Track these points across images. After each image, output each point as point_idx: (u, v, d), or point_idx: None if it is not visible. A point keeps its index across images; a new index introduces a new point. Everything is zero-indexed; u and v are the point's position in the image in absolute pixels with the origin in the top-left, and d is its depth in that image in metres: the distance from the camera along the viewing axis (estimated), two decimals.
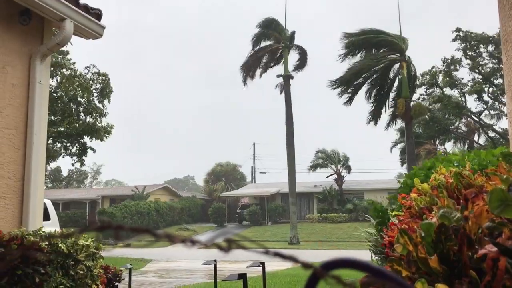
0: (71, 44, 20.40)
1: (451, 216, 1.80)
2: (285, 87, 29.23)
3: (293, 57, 35.91)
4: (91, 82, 21.86)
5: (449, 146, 38.43)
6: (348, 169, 38.89)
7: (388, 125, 29.35)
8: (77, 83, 21.07)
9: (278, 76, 29.80)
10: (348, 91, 27.31)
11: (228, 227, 38.19)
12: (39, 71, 5.07)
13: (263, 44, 30.13)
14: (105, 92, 22.26)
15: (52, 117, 21.04)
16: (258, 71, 30.17)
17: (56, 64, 19.91)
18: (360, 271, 0.33)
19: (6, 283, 3.57)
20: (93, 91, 22.03)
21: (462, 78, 33.57)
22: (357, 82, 27.12)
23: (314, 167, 39.62)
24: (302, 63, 30.32)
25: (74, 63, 21.66)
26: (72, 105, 21.49)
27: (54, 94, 21.08)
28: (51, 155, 23.55)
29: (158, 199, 38.81)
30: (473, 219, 1.73)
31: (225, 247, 0.28)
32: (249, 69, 29.74)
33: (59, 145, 23.38)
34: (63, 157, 24.40)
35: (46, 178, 36.70)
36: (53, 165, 32.65)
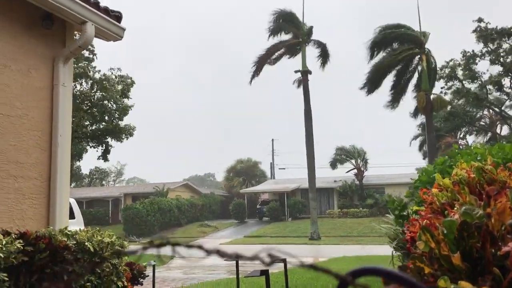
0: (94, 52, 20.89)
1: (473, 213, 1.80)
2: (303, 83, 29.11)
3: (311, 52, 35.67)
4: (116, 85, 22.38)
5: (470, 139, 37.85)
6: (366, 163, 38.64)
7: (415, 116, 29.18)
8: (103, 86, 21.65)
9: (296, 71, 29.68)
10: (376, 89, 27.24)
11: (248, 223, 38.33)
12: (62, 73, 5.18)
13: (279, 38, 30.05)
14: (127, 93, 22.76)
15: (79, 119, 21.58)
16: (274, 65, 30.10)
17: (83, 74, 20.50)
18: (390, 281, 0.36)
19: (36, 281, 3.69)
20: (116, 92, 22.51)
21: (483, 72, 33.03)
22: (380, 78, 26.99)
23: (334, 163, 39.49)
24: (324, 59, 30.07)
25: (99, 71, 22.27)
26: (97, 107, 22.03)
27: (82, 97, 21.66)
28: (77, 153, 24.11)
29: (179, 196, 39.14)
30: (496, 216, 1.73)
31: (267, 261, 0.32)
32: (263, 63, 29.65)
33: (84, 144, 23.95)
34: (84, 153, 24.96)
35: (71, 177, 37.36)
36: (76, 164, 33.14)
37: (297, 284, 8.81)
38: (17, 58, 4.78)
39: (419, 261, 1.66)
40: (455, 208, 2.46)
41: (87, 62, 21.50)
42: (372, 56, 26.80)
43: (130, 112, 23.86)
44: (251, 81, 29.89)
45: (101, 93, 21.85)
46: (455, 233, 1.69)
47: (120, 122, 22.78)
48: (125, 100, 23.02)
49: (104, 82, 21.75)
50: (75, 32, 5.51)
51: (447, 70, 32.84)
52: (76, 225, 7.76)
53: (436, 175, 3.40)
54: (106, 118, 22.59)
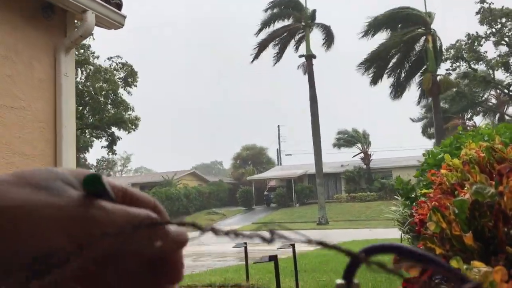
0: (93, 38, 20.77)
1: (485, 192, 1.76)
2: (308, 67, 28.93)
3: (315, 36, 35.35)
4: (115, 72, 22.23)
5: (478, 120, 37.59)
6: (369, 146, 38.55)
7: (419, 101, 28.98)
8: (102, 78, 21.52)
9: (301, 56, 29.48)
10: (375, 70, 26.96)
11: (256, 210, 38.48)
12: (65, 64, 5.14)
13: (280, 23, 29.79)
14: (130, 81, 22.60)
15: (81, 109, 21.55)
16: (277, 49, 29.88)
17: (84, 61, 20.35)
18: (403, 257, 0.32)
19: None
20: (118, 80, 22.39)
21: (486, 51, 32.67)
22: (383, 60, 26.70)
23: (337, 145, 39.47)
24: (329, 41, 29.80)
25: (98, 56, 22.07)
26: (100, 98, 21.95)
27: (81, 88, 21.55)
28: (84, 146, 24.15)
29: (187, 184, 39.32)
30: (509, 194, 1.69)
31: (268, 237, 0.28)
32: (265, 46, 29.42)
33: (88, 136, 23.94)
34: (91, 147, 24.98)
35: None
36: (83, 155, 33.30)
37: (306, 269, 8.84)
38: (18, 49, 4.75)
39: (430, 242, 1.62)
40: (466, 188, 2.41)
41: (83, 50, 21.19)
42: (373, 34, 26.47)
43: (135, 102, 23.79)
44: (252, 61, 29.71)
45: (101, 84, 21.71)
46: (466, 212, 1.65)
47: (124, 113, 22.70)
48: (129, 88, 22.90)
49: (102, 73, 21.61)
50: (76, 22, 5.46)
51: (452, 51, 32.50)
52: None
53: (446, 155, 3.35)
54: (110, 107, 22.52)
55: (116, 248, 0.30)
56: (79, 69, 21.41)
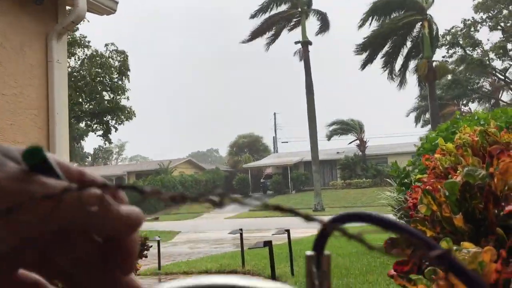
0: (88, 21, 20.48)
1: (476, 174, 1.76)
2: (304, 54, 28.79)
3: (311, 23, 35.16)
4: (110, 60, 21.99)
5: (473, 106, 37.66)
6: (365, 133, 38.65)
7: (419, 86, 29.02)
8: (99, 62, 21.27)
9: (297, 42, 29.30)
10: (369, 56, 26.88)
11: (252, 197, 38.60)
12: (56, 50, 5.09)
13: (277, 9, 29.53)
14: (124, 70, 22.37)
15: (77, 95, 21.31)
16: (271, 35, 29.67)
17: (74, 42, 20.05)
18: (372, 225, 0.31)
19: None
20: (112, 69, 22.17)
21: (481, 41, 32.62)
22: (379, 46, 26.61)
23: (333, 134, 39.53)
24: (324, 27, 29.60)
25: (89, 41, 21.77)
26: (94, 84, 21.71)
27: (76, 74, 21.32)
28: (79, 135, 24.01)
29: (183, 172, 39.35)
30: (499, 176, 1.68)
31: (217, 201, 0.27)
32: (261, 34, 29.23)
33: (83, 124, 23.74)
34: (86, 136, 24.85)
35: (73, 157, 37.46)
36: (79, 144, 33.13)
37: (301, 254, 8.88)
38: (8, 35, 4.69)
39: (420, 224, 1.62)
40: (458, 171, 2.42)
41: (73, 35, 20.83)
42: (370, 21, 26.37)
43: (130, 89, 23.57)
44: (244, 42, 29.52)
45: (95, 69, 21.45)
46: (457, 194, 1.65)
47: (119, 100, 22.48)
48: (122, 77, 22.65)
49: (97, 58, 21.35)
50: (68, 8, 5.39)
51: (448, 37, 32.42)
52: None
53: (439, 139, 3.35)
54: (104, 94, 22.28)
55: (55, 225, 0.29)
56: (76, 54, 21.18)
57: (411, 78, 30.53)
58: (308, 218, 0.28)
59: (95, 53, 21.54)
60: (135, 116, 23.06)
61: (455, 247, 1.37)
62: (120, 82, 22.56)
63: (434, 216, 1.65)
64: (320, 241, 0.34)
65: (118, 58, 22.34)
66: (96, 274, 0.32)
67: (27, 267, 0.31)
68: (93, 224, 0.30)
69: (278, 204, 0.26)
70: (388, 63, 27.27)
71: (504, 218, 1.56)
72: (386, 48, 26.87)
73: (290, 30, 29.89)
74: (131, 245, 0.33)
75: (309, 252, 0.39)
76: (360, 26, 26.60)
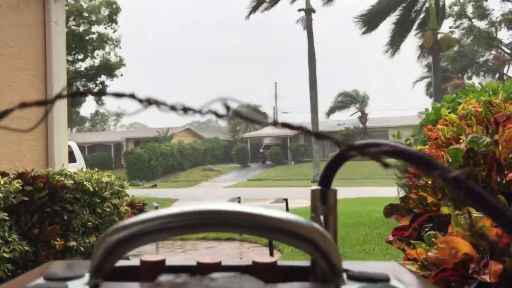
0: None
1: (480, 141, 1.72)
2: (307, 22, 28.31)
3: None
4: (97, 10, 21.48)
5: (477, 80, 37.34)
6: (366, 105, 38.46)
7: (420, 58, 28.63)
8: (87, 20, 20.89)
9: (300, 10, 28.76)
10: (373, 25, 26.46)
11: (251, 167, 38.73)
12: (54, 10, 4.98)
13: None
14: (115, 18, 21.90)
15: (68, 54, 21.01)
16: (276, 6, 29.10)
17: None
18: (389, 154, 0.28)
19: (36, 220, 3.69)
20: (102, 19, 21.70)
21: (493, 9, 32.03)
22: (382, 15, 26.17)
23: (332, 109, 39.39)
24: None
25: None
26: (86, 43, 21.39)
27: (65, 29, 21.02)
28: (76, 100, 23.80)
29: (182, 141, 39.33)
30: (504, 143, 1.64)
31: (222, 114, 0.23)
32: (262, 1, 28.62)
33: (78, 83, 23.42)
34: (84, 100, 24.68)
35: (73, 124, 37.34)
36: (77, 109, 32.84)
37: None
38: None
39: (422, 190, 1.59)
40: (461, 140, 2.38)
41: None
42: None
43: (128, 55, 23.22)
44: (248, 16, 29.01)
45: (83, 25, 21.08)
46: (460, 161, 1.61)
47: (110, 57, 22.18)
48: (114, 25, 22.20)
49: (84, 13, 20.92)
50: None
51: (456, 8, 31.86)
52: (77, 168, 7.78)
53: (442, 109, 3.29)
54: (96, 52, 21.97)
55: None
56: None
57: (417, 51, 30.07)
58: (320, 136, 0.24)
59: (81, 9, 21.02)
60: (123, 64, 22.74)
61: (456, 212, 1.34)
62: (109, 32, 22.09)
63: (436, 183, 1.62)
64: (327, 175, 0.31)
65: (109, 8, 21.90)
66: None
67: None
68: None
69: (287, 122, 0.23)
70: (394, 34, 26.88)
71: (507, 185, 1.53)
72: (391, 18, 26.46)
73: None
74: None
75: (314, 187, 0.38)
76: None
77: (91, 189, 3.95)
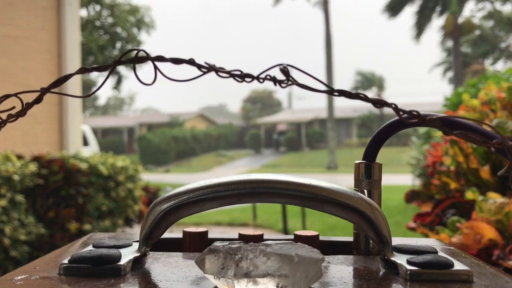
0: None
1: (505, 126, 1.65)
2: (324, 5, 27.96)
3: None
4: (126, 13, 21.72)
5: (499, 65, 36.58)
6: (384, 90, 38.03)
7: (442, 42, 28.19)
8: (116, 13, 21.11)
9: None
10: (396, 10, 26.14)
11: (265, 153, 38.72)
12: None
13: None
14: (140, 24, 22.15)
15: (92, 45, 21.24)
16: None
17: None
18: (443, 123, 0.24)
19: (52, 203, 3.71)
20: (129, 20, 21.95)
21: None
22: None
23: (354, 89, 38.98)
24: None
25: None
26: (112, 32, 21.58)
27: (91, 24, 21.19)
28: (89, 84, 24.03)
29: (195, 126, 39.41)
30: None
31: (281, 80, 0.21)
32: None
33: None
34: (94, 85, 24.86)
35: (86, 108, 37.60)
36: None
37: (312, 212, 8.92)
38: None
39: (445, 176, 1.53)
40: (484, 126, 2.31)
41: None
42: None
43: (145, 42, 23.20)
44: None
45: (111, 19, 21.30)
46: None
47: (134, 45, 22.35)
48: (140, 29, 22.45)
49: (115, 9, 21.16)
50: None
51: None
52: (91, 152, 7.82)
53: (463, 95, 3.20)
54: (118, 45, 22.15)
55: None
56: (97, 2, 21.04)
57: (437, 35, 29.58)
58: (379, 102, 0.21)
59: (113, 3, 21.29)
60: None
61: (481, 197, 1.29)
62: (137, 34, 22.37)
63: (459, 169, 1.56)
64: (372, 148, 0.28)
65: (137, 14, 22.11)
66: None
67: None
68: None
69: (343, 90, 0.19)
70: (419, 17, 26.50)
71: None
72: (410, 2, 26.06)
73: None
74: None
75: (358, 161, 0.36)
76: None
77: (106, 173, 3.94)
